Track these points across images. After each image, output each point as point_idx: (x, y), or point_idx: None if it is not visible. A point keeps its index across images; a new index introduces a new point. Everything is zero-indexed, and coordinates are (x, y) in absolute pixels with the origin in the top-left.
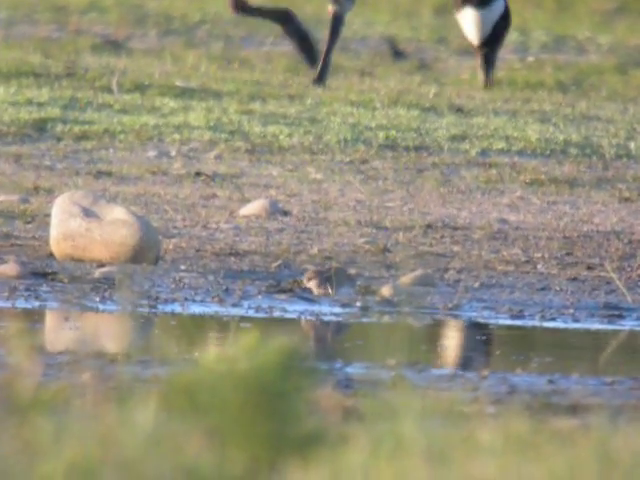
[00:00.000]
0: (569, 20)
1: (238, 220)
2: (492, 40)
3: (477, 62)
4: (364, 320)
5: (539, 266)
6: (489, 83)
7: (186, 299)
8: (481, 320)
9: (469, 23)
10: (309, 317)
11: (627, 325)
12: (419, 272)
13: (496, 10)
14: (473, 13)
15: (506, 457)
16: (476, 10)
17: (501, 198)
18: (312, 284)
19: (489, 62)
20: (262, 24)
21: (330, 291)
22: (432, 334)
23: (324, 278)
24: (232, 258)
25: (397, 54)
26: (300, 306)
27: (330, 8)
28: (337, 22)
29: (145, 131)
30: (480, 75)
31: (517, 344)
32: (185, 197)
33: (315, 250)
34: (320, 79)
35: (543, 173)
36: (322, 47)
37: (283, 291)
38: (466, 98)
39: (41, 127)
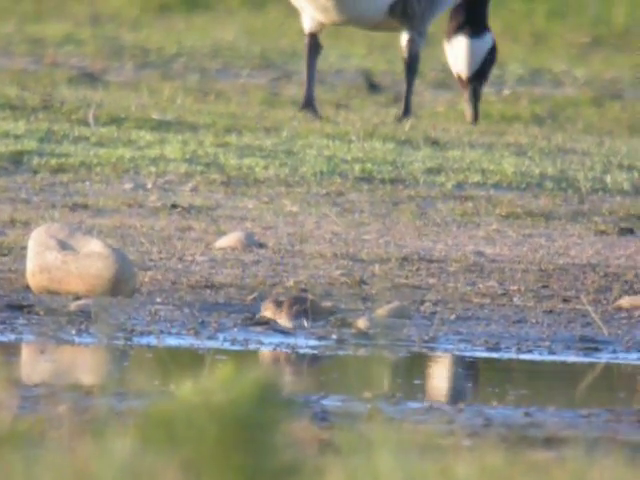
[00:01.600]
0: (545, 53)
1: (214, 252)
2: (481, 73)
3: (465, 96)
4: (340, 353)
5: (515, 299)
6: (477, 117)
7: (162, 332)
8: (457, 353)
9: (461, 53)
10: (285, 349)
11: (603, 358)
12: (395, 304)
13: (487, 42)
14: (466, 42)
15: None
16: (469, 39)
17: (477, 231)
18: (270, 313)
19: (477, 96)
20: (238, 56)
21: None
22: (408, 367)
23: (285, 306)
24: (208, 290)
25: (373, 87)
26: (276, 338)
27: (404, 46)
28: (412, 60)
29: (121, 164)
30: (467, 109)
31: (493, 377)
32: (161, 229)
33: (291, 282)
34: (405, 115)
35: (519, 206)
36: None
37: (259, 324)
38: (442, 131)
39: (17, 160)
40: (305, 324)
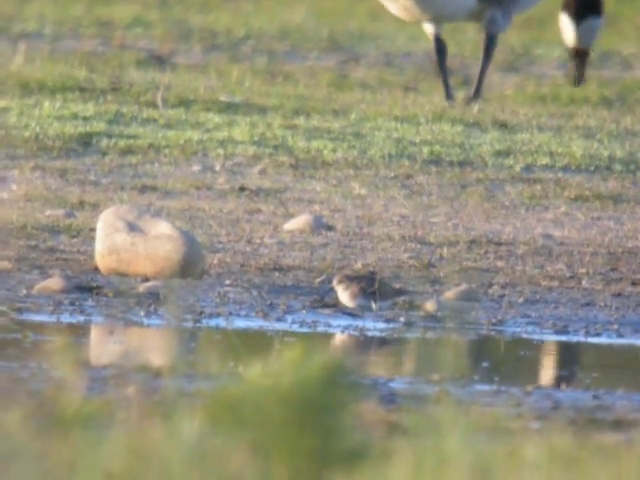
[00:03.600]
0: (614, 36)
1: (282, 235)
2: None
3: (574, 63)
4: (408, 335)
5: (583, 282)
6: (584, 81)
7: (230, 314)
8: (525, 335)
9: (587, 32)
10: (353, 332)
11: None
12: (463, 287)
13: (604, 18)
14: (593, 23)
15: (551, 472)
16: (596, 20)
17: (545, 214)
18: (341, 291)
19: (585, 63)
20: (306, 38)
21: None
22: (476, 349)
23: (359, 289)
24: (276, 273)
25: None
26: (344, 321)
27: (483, 30)
28: (491, 41)
29: (189, 146)
30: (574, 76)
31: (561, 359)
32: (229, 212)
33: (359, 265)
34: (475, 97)
35: (587, 189)
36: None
37: (327, 306)
38: (510, 114)
39: (86, 142)
40: (372, 305)
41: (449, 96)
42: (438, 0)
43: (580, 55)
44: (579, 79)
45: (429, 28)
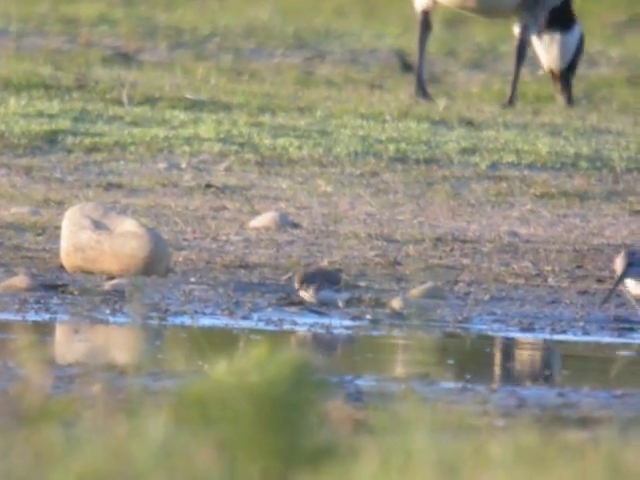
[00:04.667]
0: None
1: (248, 232)
2: (572, 64)
3: (557, 87)
4: (374, 333)
5: (549, 279)
6: (572, 101)
7: (196, 311)
8: (491, 333)
9: (553, 49)
10: (319, 330)
11: (637, 338)
12: (429, 285)
13: (577, 34)
14: (559, 39)
15: (516, 470)
16: (562, 35)
17: (511, 211)
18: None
19: (570, 85)
20: (271, 36)
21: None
22: (442, 347)
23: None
24: (242, 270)
25: (407, 67)
26: (310, 319)
27: (516, 34)
28: (524, 46)
29: (155, 143)
30: (561, 99)
31: (527, 357)
32: (195, 209)
33: (325, 262)
34: (512, 102)
35: (553, 186)
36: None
37: (293, 304)
38: (476, 111)
39: (52, 139)
40: (335, 299)
41: (422, 90)
42: None
43: (557, 76)
44: (569, 99)
45: (420, 1)
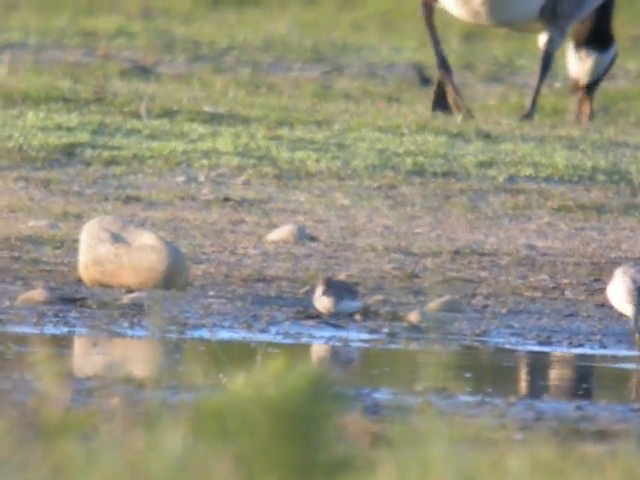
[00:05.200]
0: None
1: (266, 246)
2: (598, 80)
3: (575, 97)
4: (392, 346)
5: (567, 292)
6: (592, 116)
7: (214, 325)
8: (508, 346)
9: (588, 65)
10: (337, 343)
11: None
12: (447, 298)
13: (612, 54)
14: (595, 57)
15: None
16: (599, 54)
17: (529, 224)
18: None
19: (591, 98)
20: (289, 50)
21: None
22: (459, 360)
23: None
24: (260, 284)
25: (424, 80)
26: (328, 332)
27: (541, 46)
28: (548, 59)
29: (174, 156)
30: (574, 111)
31: (544, 370)
32: (213, 222)
33: (343, 276)
34: (530, 114)
35: (571, 199)
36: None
37: (311, 317)
38: (493, 124)
39: (70, 152)
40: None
41: (443, 64)
42: (511, 4)
43: (580, 90)
44: (589, 115)
45: None
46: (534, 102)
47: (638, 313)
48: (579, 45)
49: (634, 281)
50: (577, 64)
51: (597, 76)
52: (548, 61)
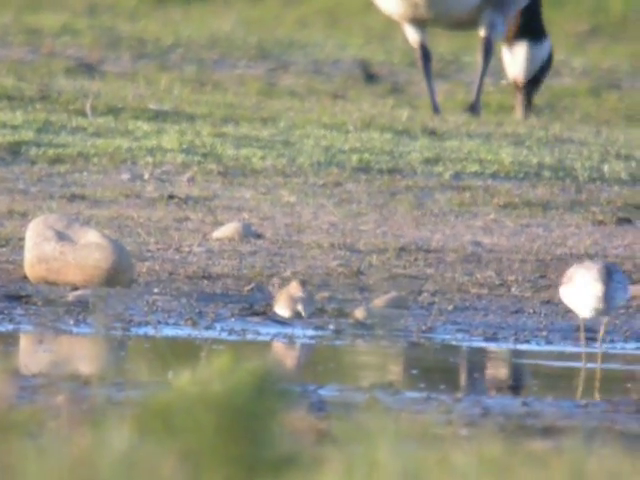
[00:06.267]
0: None
1: (211, 243)
2: (537, 79)
3: (517, 98)
4: (338, 343)
5: (513, 289)
6: (529, 115)
7: (159, 322)
8: (455, 343)
9: (520, 59)
10: (282, 340)
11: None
12: (393, 295)
13: (546, 48)
14: (526, 49)
15: (480, 479)
16: (530, 46)
17: (474, 221)
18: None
19: (530, 99)
20: (235, 47)
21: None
22: (406, 357)
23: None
24: (205, 281)
25: (370, 77)
26: (273, 329)
27: (482, 33)
28: (489, 45)
29: (118, 154)
30: (519, 110)
31: (491, 367)
32: (158, 220)
33: (288, 273)
34: (475, 108)
35: (516, 196)
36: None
37: (256, 314)
38: (439, 121)
39: (15, 150)
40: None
41: (436, 109)
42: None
43: (519, 88)
44: (526, 111)
45: (413, 35)
46: (478, 94)
47: (607, 290)
48: (511, 40)
49: (601, 267)
50: (512, 61)
51: (533, 71)
52: (489, 48)
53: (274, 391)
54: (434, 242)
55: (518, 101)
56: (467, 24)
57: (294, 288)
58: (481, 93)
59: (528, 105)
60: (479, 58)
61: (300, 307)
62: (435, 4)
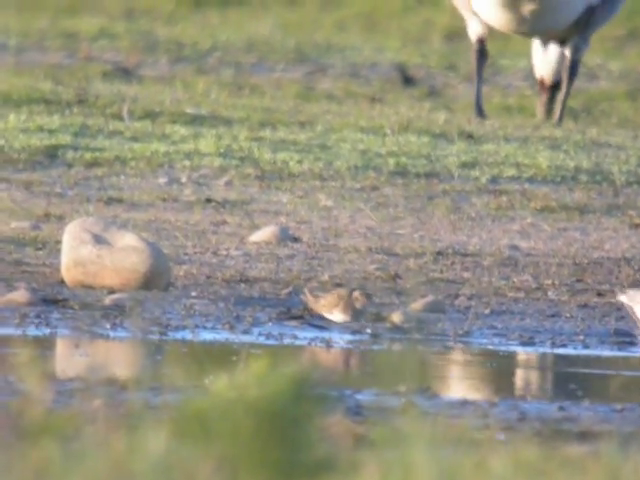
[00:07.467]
0: None
1: (248, 247)
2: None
3: (541, 99)
4: (375, 347)
5: (549, 293)
6: (548, 116)
7: (197, 326)
8: (491, 347)
9: (552, 59)
10: (320, 344)
11: (637, 352)
12: (429, 299)
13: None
14: (560, 51)
15: None
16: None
17: (511, 225)
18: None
19: (554, 101)
20: (272, 50)
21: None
22: (442, 361)
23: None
24: (242, 285)
25: (407, 80)
26: (311, 333)
27: (567, 53)
28: (576, 66)
29: (156, 158)
30: (540, 110)
31: (527, 371)
32: (195, 223)
33: (326, 277)
34: (560, 120)
35: (554, 200)
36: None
37: (294, 318)
38: (476, 125)
39: (52, 154)
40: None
41: (480, 111)
42: (557, 12)
43: (545, 88)
44: (546, 112)
45: (477, 28)
46: (562, 110)
47: None
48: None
49: None
50: (543, 60)
51: (560, 75)
52: (576, 68)
53: (311, 396)
54: (471, 246)
55: (541, 101)
56: (556, 39)
57: (348, 294)
58: (565, 108)
59: (550, 107)
60: (564, 76)
61: (359, 314)
62: (541, 21)
